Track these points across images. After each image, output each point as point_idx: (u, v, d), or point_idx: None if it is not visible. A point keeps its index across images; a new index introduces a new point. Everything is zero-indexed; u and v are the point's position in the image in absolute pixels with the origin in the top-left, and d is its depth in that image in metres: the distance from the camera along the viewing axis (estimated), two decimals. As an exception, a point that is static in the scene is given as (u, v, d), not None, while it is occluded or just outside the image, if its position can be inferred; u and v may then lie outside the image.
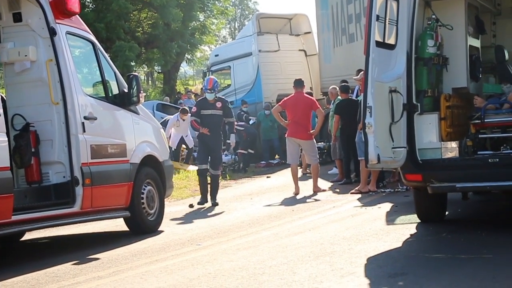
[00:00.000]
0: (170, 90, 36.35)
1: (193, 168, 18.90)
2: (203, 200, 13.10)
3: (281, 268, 7.13)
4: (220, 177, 18.19)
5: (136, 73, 10.43)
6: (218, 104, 13.18)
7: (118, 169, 9.62)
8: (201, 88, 31.37)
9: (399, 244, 8.08)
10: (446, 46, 9.11)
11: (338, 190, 13.92)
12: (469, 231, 8.70)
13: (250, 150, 20.29)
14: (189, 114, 19.78)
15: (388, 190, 12.99)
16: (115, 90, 9.95)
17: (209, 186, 13.28)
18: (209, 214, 12.05)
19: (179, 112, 20.28)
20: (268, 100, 21.93)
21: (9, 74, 9.27)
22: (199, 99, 14.36)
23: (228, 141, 14.42)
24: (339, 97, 15.07)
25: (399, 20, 8.42)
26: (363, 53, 8.20)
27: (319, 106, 14.36)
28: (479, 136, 8.81)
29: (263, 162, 20.79)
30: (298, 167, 15.18)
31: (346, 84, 15.06)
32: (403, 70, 8.37)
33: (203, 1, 37.09)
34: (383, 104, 8.14)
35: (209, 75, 25.39)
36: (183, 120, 19.75)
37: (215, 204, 13.00)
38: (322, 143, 18.35)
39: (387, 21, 8.30)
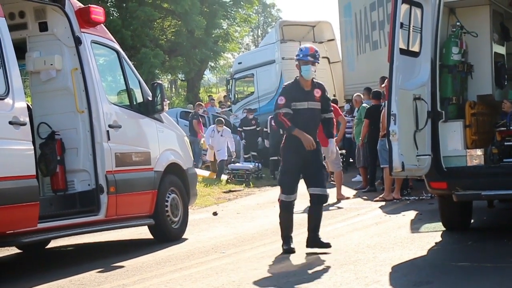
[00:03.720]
0: (193, 97, 36.49)
1: (225, 177, 18.99)
2: (289, 247, 8.50)
3: (305, 277, 7.11)
4: (243, 185, 18.39)
5: (160, 81, 10.46)
6: (317, 93, 8.67)
7: (143, 177, 9.66)
8: (224, 95, 31.53)
9: (424, 252, 8.04)
10: (471, 53, 9.07)
11: (361, 198, 13.87)
12: (495, 239, 8.64)
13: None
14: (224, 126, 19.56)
15: (412, 197, 12.93)
16: (139, 98, 10.00)
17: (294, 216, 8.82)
18: (232, 222, 12.05)
19: (215, 124, 19.95)
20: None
21: (35, 83, 9.35)
22: (286, 84, 8.91)
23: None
24: (364, 104, 15.04)
25: (423, 27, 8.41)
26: (387, 61, 8.19)
27: (341, 113, 14.31)
28: (505, 143, 8.75)
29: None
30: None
31: (378, 90, 14.94)
32: (427, 78, 8.35)
33: (226, 9, 37.29)
34: (407, 112, 8.12)
35: (232, 83, 25.55)
36: (218, 131, 19.58)
37: (325, 245, 8.42)
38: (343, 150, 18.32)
39: (411, 28, 8.30)
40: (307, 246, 8.45)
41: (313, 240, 8.45)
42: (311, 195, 8.48)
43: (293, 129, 8.37)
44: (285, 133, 8.59)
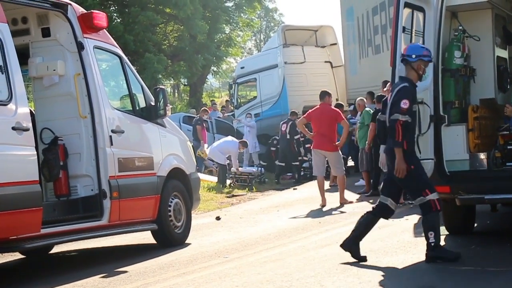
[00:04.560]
0: (196, 102, 36.53)
1: (228, 181, 18.97)
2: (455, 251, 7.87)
3: (308, 281, 7.11)
4: (246, 190, 18.37)
5: (162, 86, 10.46)
6: None
7: (145, 182, 9.66)
8: (227, 100, 31.56)
9: (427, 257, 8.01)
10: (473, 57, 9.07)
11: (365, 202, 13.85)
12: (498, 243, 8.63)
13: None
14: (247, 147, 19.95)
15: (415, 201, 12.89)
16: (142, 103, 10.01)
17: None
18: (235, 226, 12.05)
19: (239, 142, 19.79)
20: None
21: (38, 88, 9.37)
22: (408, 85, 7.80)
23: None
24: (367, 108, 15.03)
25: (425, 32, 8.40)
26: (389, 65, 8.19)
27: (344, 117, 14.33)
28: (508, 147, 8.74)
29: (289, 174, 20.78)
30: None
31: (382, 94, 14.90)
32: (430, 82, 8.35)
33: (228, 14, 37.36)
34: (410, 116, 8.10)
35: (235, 88, 25.57)
36: (241, 151, 19.69)
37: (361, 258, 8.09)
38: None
39: (413, 32, 8.30)
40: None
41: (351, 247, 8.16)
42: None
43: (400, 146, 7.65)
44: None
